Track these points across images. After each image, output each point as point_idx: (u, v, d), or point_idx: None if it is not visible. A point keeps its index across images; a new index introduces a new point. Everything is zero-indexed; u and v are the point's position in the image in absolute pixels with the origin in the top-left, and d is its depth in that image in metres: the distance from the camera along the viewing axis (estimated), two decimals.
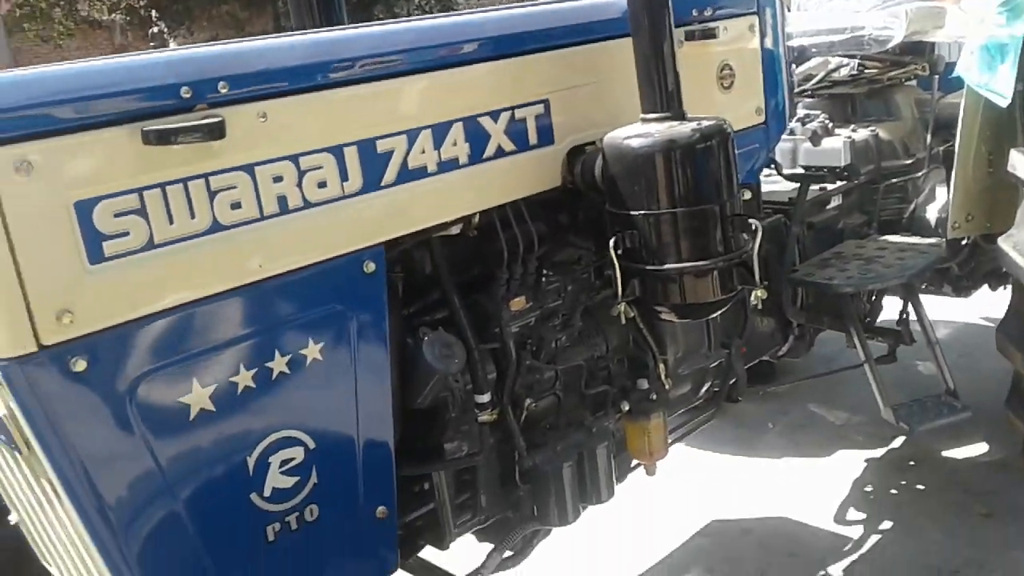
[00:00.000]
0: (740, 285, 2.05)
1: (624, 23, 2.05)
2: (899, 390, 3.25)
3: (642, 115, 2.04)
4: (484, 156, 1.98)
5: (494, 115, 1.99)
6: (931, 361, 3.24)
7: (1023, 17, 2.72)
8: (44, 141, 1.39)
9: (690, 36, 2.35)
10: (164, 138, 1.47)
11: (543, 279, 2.19)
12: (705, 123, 1.98)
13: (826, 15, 3.66)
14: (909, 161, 3.58)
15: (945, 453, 3.64)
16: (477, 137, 1.96)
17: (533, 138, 2.07)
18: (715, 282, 2.02)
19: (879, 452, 3.72)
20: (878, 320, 3.45)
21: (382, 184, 1.80)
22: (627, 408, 2.43)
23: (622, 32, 2.13)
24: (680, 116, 2.01)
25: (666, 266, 2.00)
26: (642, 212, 1.99)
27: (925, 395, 3.17)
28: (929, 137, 3.54)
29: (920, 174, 3.54)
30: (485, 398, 2.07)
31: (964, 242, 3.31)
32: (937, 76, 3.50)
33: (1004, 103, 2.78)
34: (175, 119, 1.50)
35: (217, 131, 1.52)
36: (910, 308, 3.25)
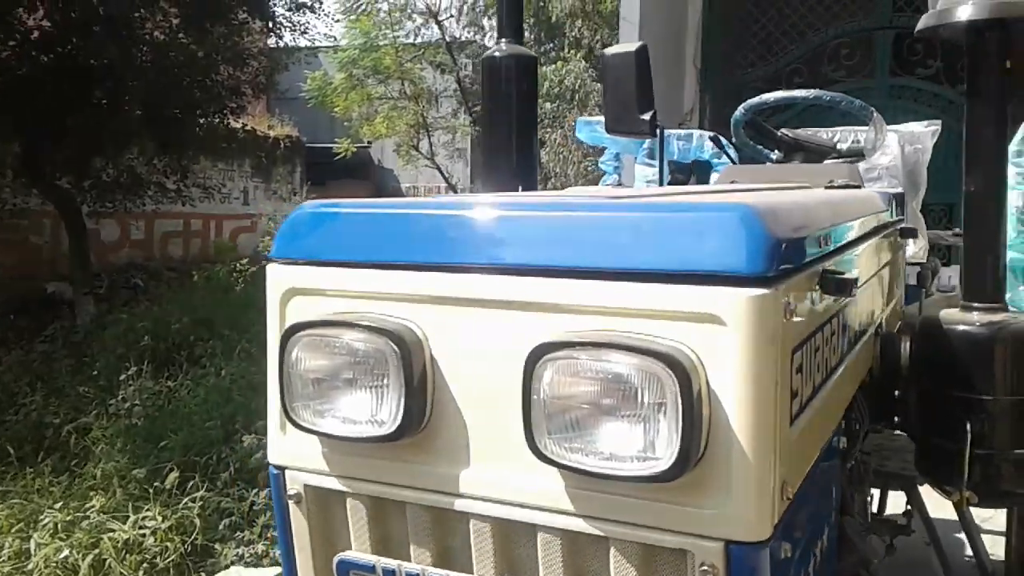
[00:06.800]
0: None
1: None
2: None
3: (964, 302, 2.12)
4: None
5: None
6: None
7: None
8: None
9: None
10: (842, 288, 1.33)
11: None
12: None
13: None
14: None
15: None
16: None
17: None
18: None
19: None
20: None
21: None
22: None
23: None
24: (1005, 308, 2.11)
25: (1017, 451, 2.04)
26: (991, 397, 2.03)
27: None
28: None
29: None
30: None
31: None
32: None
33: None
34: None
35: None
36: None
